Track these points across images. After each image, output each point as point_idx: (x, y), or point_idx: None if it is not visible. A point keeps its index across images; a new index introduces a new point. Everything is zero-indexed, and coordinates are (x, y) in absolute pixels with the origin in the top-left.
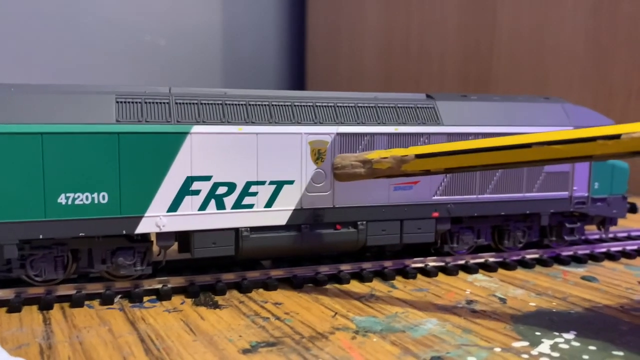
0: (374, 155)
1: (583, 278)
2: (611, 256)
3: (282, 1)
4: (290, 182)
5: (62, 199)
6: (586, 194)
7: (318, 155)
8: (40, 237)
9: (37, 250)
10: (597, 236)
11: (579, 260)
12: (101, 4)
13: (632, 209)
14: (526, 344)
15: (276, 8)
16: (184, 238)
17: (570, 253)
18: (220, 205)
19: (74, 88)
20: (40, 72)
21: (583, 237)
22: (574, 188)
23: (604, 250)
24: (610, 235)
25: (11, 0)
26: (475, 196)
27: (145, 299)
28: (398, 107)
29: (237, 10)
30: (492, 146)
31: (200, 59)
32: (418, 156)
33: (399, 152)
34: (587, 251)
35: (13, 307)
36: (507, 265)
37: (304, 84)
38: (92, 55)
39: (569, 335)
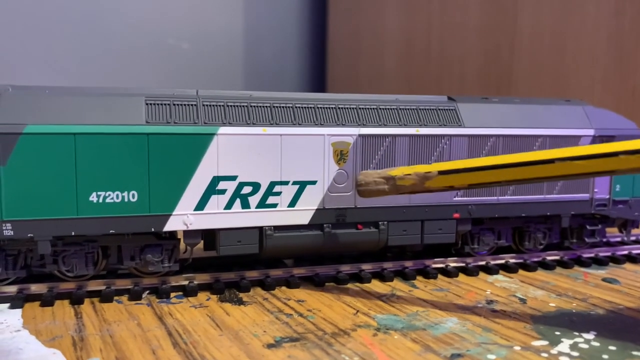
0: (397, 172)
1: (604, 280)
2: (633, 258)
3: (303, 4)
4: (313, 183)
5: (93, 197)
6: (607, 196)
7: (340, 156)
8: (73, 234)
9: (69, 246)
10: (618, 239)
11: (600, 262)
12: (125, 9)
13: None
14: (546, 343)
15: (297, 11)
16: (209, 236)
17: (591, 255)
18: (245, 205)
19: (105, 90)
20: (66, 75)
21: (604, 239)
22: (595, 190)
23: (625, 252)
24: (632, 238)
25: (38, 7)
26: (496, 198)
27: (172, 295)
28: (419, 109)
29: (258, 13)
30: (515, 162)
31: (223, 61)
32: (441, 172)
33: (421, 168)
34: (609, 253)
35: (46, 301)
36: (528, 267)
37: (324, 86)
38: (116, 59)
39: (589, 336)
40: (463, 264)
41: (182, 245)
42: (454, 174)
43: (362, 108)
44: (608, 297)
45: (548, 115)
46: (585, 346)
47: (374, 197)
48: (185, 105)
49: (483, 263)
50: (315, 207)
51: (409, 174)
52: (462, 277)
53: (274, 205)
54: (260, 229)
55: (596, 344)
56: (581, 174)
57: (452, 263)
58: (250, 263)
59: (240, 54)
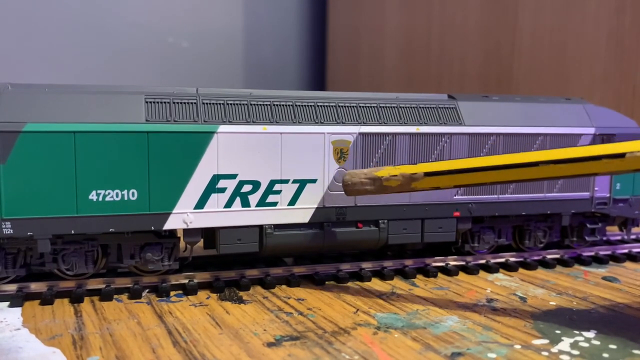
0: (384, 172)
1: (604, 278)
2: (633, 257)
3: (303, 3)
4: (313, 181)
5: (93, 196)
6: (608, 195)
7: (340, 154)
8: (72, 232)
9: (68, 245)
10: (618, 237)
11: (600, 260)
12: (125, 7)
13: None
14: (546, 341)
15: (297, 10)
16: (209, 234)
17: (592, 253)
18: (245, 203)
19: (105, 88)
20: (66, 73)
21: (604, 238)
22: (596, 189)
23: (625, 251)
24: (632, 236)
25: (37, 5)
26: (496, 196)
27: (172, 293)
28: (420, 107)
29: (258, 12)
30: (500, 164)
31: (223, 60)
32: (427, 174)
33: (407, 169)
34: (609, 252)
35: (46, 299)
36: (528, 265)
37: (324, 84)
38: (116, 57)
39: (589, 334)
40: (463, 263)
41: (182, 243)
42: (440, 175)
43: (362, 106)
44: (608, 295)
45: (549, 114)
46: (585, 345)
47: (361, 195)
48: (185, 103)
49: (483, 262)
50: (316, 206)
51: (395, 175)
52: (462, 275)
53: (274, 204)
54: (260, 227)
55: (596, 342)
56: (564, 176)
57: (453, 262)
58: (250, 261)
59: (240, 52)
